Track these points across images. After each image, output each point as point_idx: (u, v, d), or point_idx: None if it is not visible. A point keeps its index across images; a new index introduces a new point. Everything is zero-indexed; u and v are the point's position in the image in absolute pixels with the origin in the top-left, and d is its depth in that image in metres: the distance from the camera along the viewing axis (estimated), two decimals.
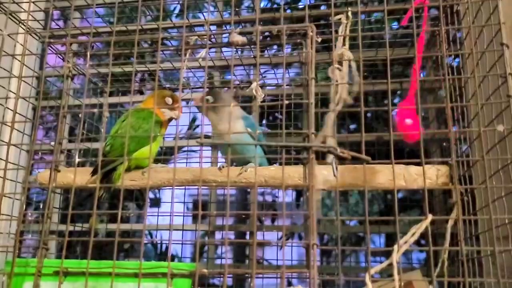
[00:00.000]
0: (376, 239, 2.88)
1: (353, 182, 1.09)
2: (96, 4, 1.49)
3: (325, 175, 1.00)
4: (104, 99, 1.85)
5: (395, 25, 2.02)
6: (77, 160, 1.00)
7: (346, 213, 2.79)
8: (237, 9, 2.17)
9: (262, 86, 1.83)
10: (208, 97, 1.34)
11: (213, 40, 1.06)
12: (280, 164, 1.06)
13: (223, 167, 1.20)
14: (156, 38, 0.94)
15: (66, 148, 1.86)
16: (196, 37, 0.99)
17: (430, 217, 0.83)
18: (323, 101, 1.92)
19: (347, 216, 2.93)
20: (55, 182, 0.93)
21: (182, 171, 1.23)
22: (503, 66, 0.85)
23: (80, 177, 1.22)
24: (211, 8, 1.68)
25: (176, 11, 3.09)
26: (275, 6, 2.26)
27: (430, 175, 1.13)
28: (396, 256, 0.80)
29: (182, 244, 1.92)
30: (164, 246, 2.32)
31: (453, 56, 1.29)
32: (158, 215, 1.67)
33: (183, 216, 1.79)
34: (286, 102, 0.88)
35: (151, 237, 2.69)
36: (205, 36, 0.95)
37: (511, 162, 0.81)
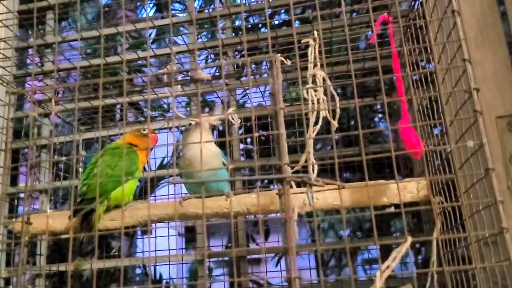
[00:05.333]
0: (372, 247, 2.87)
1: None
2: (59, 42, 1.48)
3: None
4: (80, 135, 1.81)
5: (369, 33, 2.03)
6: (48, 210, 0.98)
7: (339, 224, 2.79)
8: (212, 29, 2.17)
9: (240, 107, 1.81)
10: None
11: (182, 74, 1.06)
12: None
13: (184, 199, 1.20)
14: (121, 80, 0.93)
15: (44, 188, 1.81)
16: (162, 72, 0.98)
17: (409, 239, 0.82)
18: (300, 121, 1.91)
19: (340, 226, 2.91)
20: (28, 234, 0.90)
21: (162, 206, 1.21)
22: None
23: (59, 221, 1.19)
24: (183, 37, 1.67)
25: (153, 36, 3.07)
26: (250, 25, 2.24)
27: (410, 189, 1.12)
28: (379, 283, 0.79)
29: (173, 278, 1.89)
30: (158, 274, 2.30)
31: (425, 61, 1.29)
32: (143, 252, 1.64)
33: (169, 250, 1.76)
34: (257, 134, 0.87)
35: (144, 267, 2.67)
36: (169, 73, 0.94)
37: (485, 176, 0.80)
